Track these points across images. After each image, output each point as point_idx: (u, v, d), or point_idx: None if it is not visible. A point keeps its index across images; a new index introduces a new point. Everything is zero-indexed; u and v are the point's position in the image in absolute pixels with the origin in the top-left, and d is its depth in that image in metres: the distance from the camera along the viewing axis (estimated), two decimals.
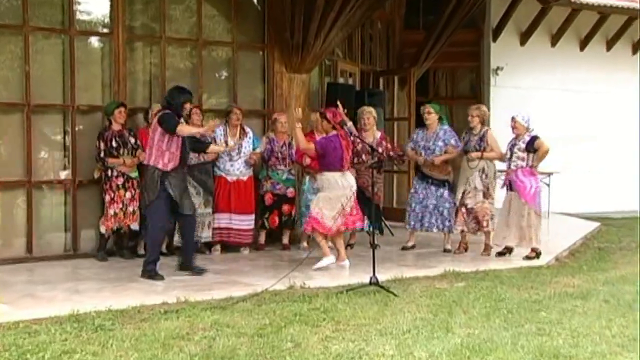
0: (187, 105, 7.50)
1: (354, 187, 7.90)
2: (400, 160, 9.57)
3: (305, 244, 9.32)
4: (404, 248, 9.30)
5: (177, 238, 8.66)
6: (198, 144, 7.86)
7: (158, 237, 7.60)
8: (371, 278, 6.81)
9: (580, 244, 10.25)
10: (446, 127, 9.20)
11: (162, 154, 7.34)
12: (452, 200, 9.10)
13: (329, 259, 7.83)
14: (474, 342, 5.08)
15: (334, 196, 7.77)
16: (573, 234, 10.93)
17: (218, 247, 9.05)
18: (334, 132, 7.88)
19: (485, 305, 6.20)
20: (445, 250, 9.17)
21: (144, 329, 5.35)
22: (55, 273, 7.70)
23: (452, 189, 9.15)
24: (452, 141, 9.06)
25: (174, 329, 5.34)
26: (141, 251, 8.64)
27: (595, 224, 12.29)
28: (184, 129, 7.36)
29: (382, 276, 7.09)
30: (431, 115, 9.12)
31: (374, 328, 5.46)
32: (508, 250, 8.82)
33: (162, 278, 7.28)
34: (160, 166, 7.34)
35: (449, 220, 9.09)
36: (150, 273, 7.33)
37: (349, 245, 9.35)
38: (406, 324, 5.54)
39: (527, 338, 5.20)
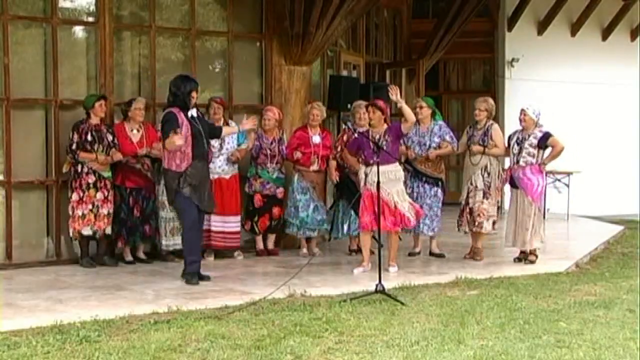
0: (194, 94, 7.48)
1: None
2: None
3: (305, 250, 9.32)
4: (410, 254, 9.31)
5: (166, 243, 8.74)
6: (213, 131, 7.90)
7: (192, 236, 7.54)
8: (377, 285, 6.82)
9: (602, 249, 10.26)
10: (441, 122, 9.28)
11: (173, 156, 7.39)
12: (442, 199, 9.21)
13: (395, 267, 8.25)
14: (487, 354, 5.09)
15: (402, 188, 8.28)
16: (594, 238, 10.94)
17: (212, 252, 9.05)
18: (385, 125, 8.33)
19: (500, 315, 6.21)
20: (437, 255, 9.21)
21: (132, 341, 5.36)
22: (36, 280, 7.70)
23: (445, 189, 9.27)
24: (447, 137, 9.12)
25: (165, 341, 5.34)
26: (128, 257, 8.67)
27: (619, 228, 12.28)
28: (168, 146, 7.36)
29: (389, 283, 7.10)
30: (423, 109, 9.15)
31: (380, 339, 5.47)
32: (524, 255, 8.83)
33: (197, 283, 7.40)
34: (174, 168, 7.40)
35: (438, 221, 9.15)
36: (187, 277, 7.43)
37: (353, 251, 9.36)
38: (415, 335, 5.54)
39: (545, 350, 5.21)
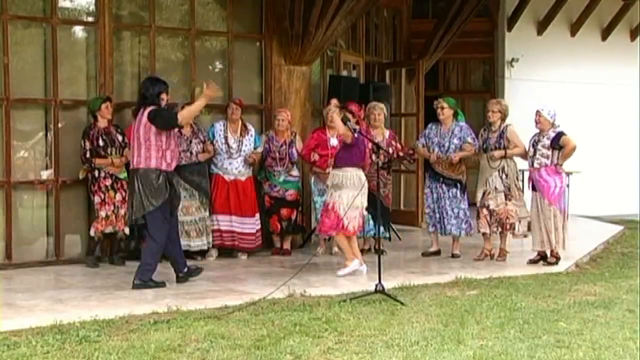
0: (164, 96, 7.42)
1: (366, 185, 8.01)
2: (411, 159, 9.57)
3: (321, 250, 9.28)
4: (424, 254, 9.28)
5: (193, 244, 8.77)
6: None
7: (162, 246, 7.38)
8: (377, 285, 6.82)
9: (602, 249, 10.26)
10: (462, 123, 9.20)
11: (163, 154, 7.28)
12: (466, 200, 9.11)
13: (355, 264, 7.93)
14: (487, 354, 5.09)
15: (354, 194, 7.83)
16: (594, 238, 10.93)
17: (213, 252, 9.05)
18: (357, 126, 8.12)
19: (500, 315, 6.21)
20: (453, 256, 9.17)
21: (132, 341, 5.36)
22: (36, 280, 7.71)
23: (465, 190, 9.16)
24: (469, 139, 9.05)
25: (165, 341, 5.35)
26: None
27: (619, 228, 12.29)
28: (184, 114, 7.30)
29: (389, 283, 7.10)
30: (445, 110, 9.11)
31: (379, 339, 5.47)
32: (542, 257, 8.76)
33: (163, 285, 7.29)
34: (164, 167, 7.27)
35: (466, 222, 9.10)
36: (149, 282, 7.29)
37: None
38: (414, 335, 5.55)
39: (544, 350, 5.21)
